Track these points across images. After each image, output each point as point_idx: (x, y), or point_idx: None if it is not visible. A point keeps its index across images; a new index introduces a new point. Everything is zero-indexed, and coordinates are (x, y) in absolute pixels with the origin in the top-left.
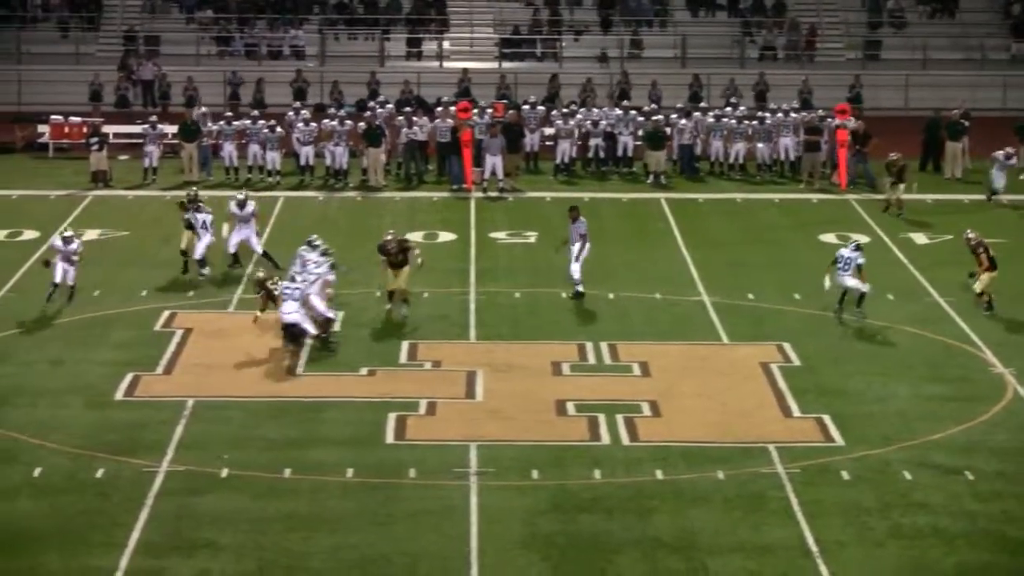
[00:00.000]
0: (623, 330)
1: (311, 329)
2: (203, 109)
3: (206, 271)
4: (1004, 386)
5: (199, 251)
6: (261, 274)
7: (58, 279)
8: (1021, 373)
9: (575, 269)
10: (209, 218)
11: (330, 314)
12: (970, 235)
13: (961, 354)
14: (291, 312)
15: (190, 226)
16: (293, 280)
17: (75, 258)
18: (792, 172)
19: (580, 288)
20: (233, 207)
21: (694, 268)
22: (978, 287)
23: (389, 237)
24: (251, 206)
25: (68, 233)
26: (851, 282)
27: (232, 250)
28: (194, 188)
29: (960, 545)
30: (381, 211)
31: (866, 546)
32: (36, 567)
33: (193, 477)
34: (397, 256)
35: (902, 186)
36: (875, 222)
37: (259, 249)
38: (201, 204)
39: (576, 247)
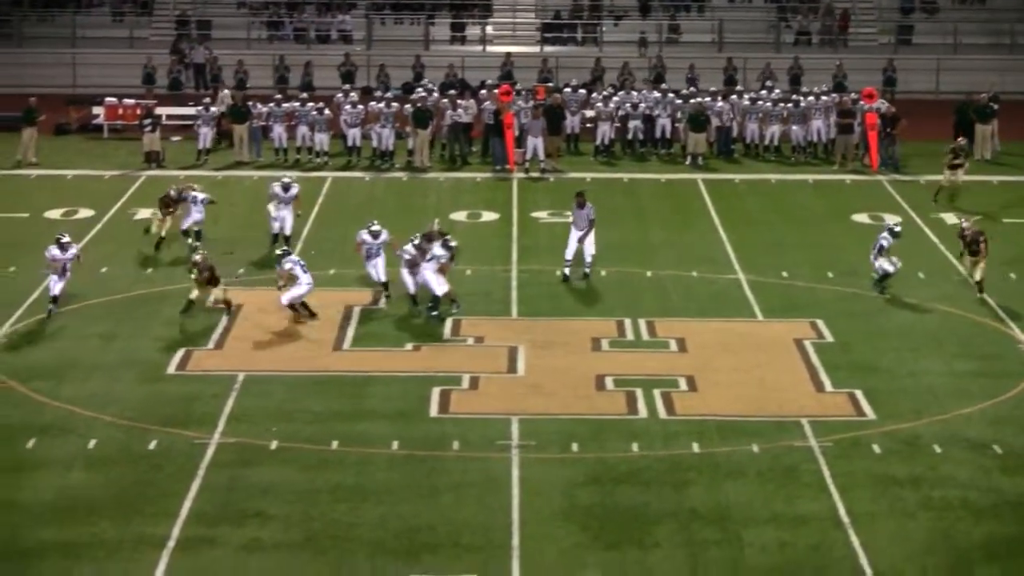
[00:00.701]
0: (661, 307)
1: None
2: (226, 92)
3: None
4: None
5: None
6: (197, 257)
7: (56, 292)
8: None
9: (572, 252)
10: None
11: (439, 290)
12: (965, 225)
13: (990, 332)
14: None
15: (166, 211)
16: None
17: (69, 267)
18: (825, 154)
19: (567, 271)
20: (277, 189)
21: (730, 247)
22: (979, 275)
23: (435, 228)
24: (294, 190)
25: (66, 239)
26: (876, 262)
27: (275, 230)
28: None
29: (988, 517)
30: (426, 191)
31: (896, 518)
32: (92, 536)
33: (243, 449)
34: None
35: (961, 171)
36: (906, 203)
37: (288, 232)
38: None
39: (582, 232)
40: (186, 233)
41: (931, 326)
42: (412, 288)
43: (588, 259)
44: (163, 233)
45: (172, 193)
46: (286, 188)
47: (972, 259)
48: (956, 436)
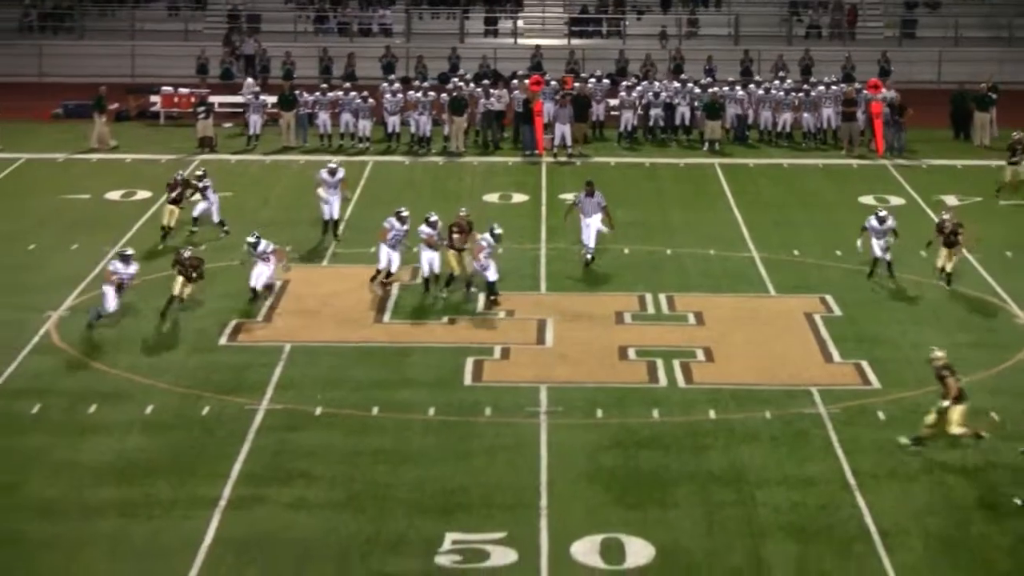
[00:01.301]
0: (680, 283)
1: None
2: (250, 81)
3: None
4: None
5: (199, 211)
6: (186, 253)
7: (111, 308)
8: None
9: (589, 237)
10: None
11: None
12: (946, 217)
13: (988, 306)
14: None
15: (175, 202)
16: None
17: (128, 283)
18: (834, 140)
19: (590, 256)
20: (324, 175)
21: (745, 227)
22: (950, 266)
23: (463, 214)
24: (341, 174)
25: (128, 252)
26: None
27: (326, 216)
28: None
29: (986, 480)
30: (461, 174)
31: (900, 480)
32: (149, 495)
33: (290, 415)
34: (463, 238)
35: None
36: (910, 186)
37: (336, 215)
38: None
39: (594, 218)
40: (196, 221)
41: (932, 301)
42: (427, 270)
43: (592, 245)
44: (172, 223)
45: (176, 179)
46: (333, 173)
47: (948, 250)
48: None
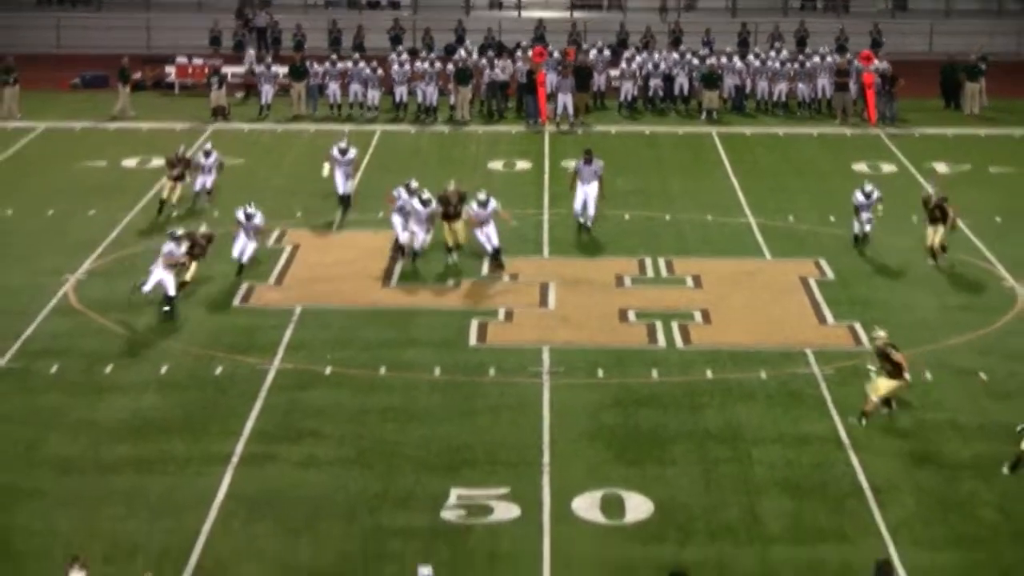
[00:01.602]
0: (679, 247)
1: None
2: (251, 52)
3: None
4: (1015, 298)
5: (200, 186)
6: (203, 229)
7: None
8: None
9: (580, 204)
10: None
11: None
12: (932, 191)
13: (978, 270)
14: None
15: (177, 178)
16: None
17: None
18: (828, 110)
19: (589, 223)
20: (335, 152)
21: (741, 193)
22: (938, 241)
23: (452, 188)
24: (352, 153)
25: (179, 232)
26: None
27: (341, 191)
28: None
29: (975, 438)
30: (466, 143)
31: (891, 437)
32: (163, 453)
33: (300, 374)
34: (457, 207)
35: None
36: (902, 153)
37: (350, 191)
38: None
39: (591, 186)
40: (198, 196)
41: (923, 265)
42: (403, 237)
43: (591, 213)
44: (173, 199)
45: (176, 155)
46: (344, 152)
47: (933, 227)
48: (946, 364)
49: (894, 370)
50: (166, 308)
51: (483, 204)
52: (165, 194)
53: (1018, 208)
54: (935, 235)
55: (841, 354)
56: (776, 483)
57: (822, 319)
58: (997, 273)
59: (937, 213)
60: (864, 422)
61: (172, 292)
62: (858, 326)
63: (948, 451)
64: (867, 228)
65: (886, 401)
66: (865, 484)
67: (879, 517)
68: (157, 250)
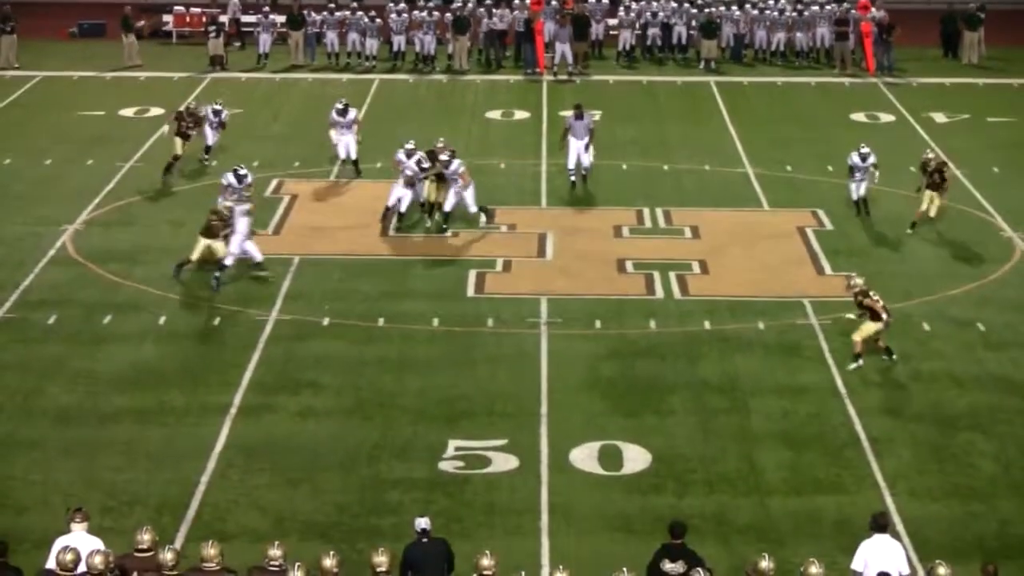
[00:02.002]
0: (676, 197)
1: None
2: (236, 1)
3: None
4: (1013, 248)
5: (212, 140)
6: (227, 203)
7: (342, 154)
8: None
9: (574, 161)
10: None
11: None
12: (930, 156)
13: (975, 220)
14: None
15: (183, 135)
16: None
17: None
18: (827, 59)
19: (584, 177)
20: (334, 115)
21: (739, 143)
22: (933, 211)
23: (441, 144)
24: (352, 113)
25: (243, 170)
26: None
27: (342, 155)
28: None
29: (972, 388)
30: (464, 92)
31: (888, 388)
32: (162, 403)
33: (298, 325)
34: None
35: None
36: (900, 103)
37: (354, 155)
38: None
39: (584, 141)
40: (208, 150)
41: (902, 214)
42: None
43: (587, 166)
44: (180, 152)
45: (187, 109)
46: (343, 112)
47: (931, 192)
48: (943, 315)
49: (872, 315)
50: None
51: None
52: (179, 150)
53: (1016, 158)
54: (931, 203)
55: (839, 305)
56: (774, 434)
57: (820, 269)
58: (995, 224)
59: (936, 178)
60: (857, 364)
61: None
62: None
63: (945, 402)
64: (862, 192)
65: (887, 350)
66: (862, 435)
67: (876, 468)
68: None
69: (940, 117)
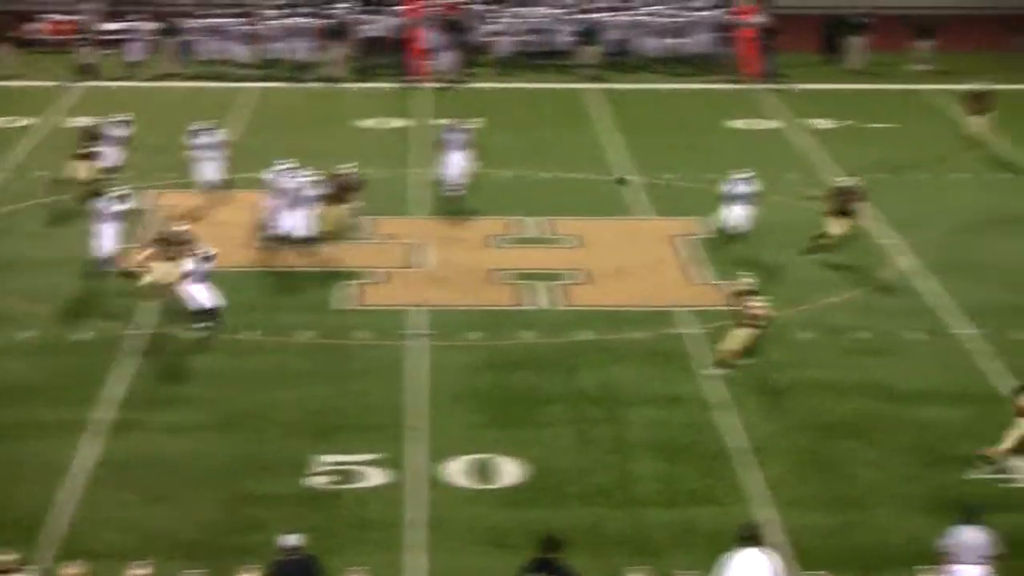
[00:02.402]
0: (557, 206)
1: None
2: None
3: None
4: (893, 256)
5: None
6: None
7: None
8: (907, 247)
9: (453, 170)
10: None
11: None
12: (844, 184)
13: (855, 228)
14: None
15: (85, 157)
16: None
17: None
18: (709, 65)
19: (461, 190)
20: (195, 138)
21: (621, 151)
22: (839, 232)
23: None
24: (218, 136)
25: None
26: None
27: (208, 177)
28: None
29: (852, 396)
30: (340, 100)
31: (767, 397)
32: (29, 418)
33: (170, 339)
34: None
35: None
36: (782, 108)
37: (221, 175)
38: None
39: (462, 150)
40: (108, 171)
41: (801, 223)
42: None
43: (466, 175)
44: (85, 177)
45: (89, 129)
46: (203, 133)
47: (837, 220)
48: (823, 323)
49: (745, 320)
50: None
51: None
52: (79, 174)
53: (898, 165)
54: (837, 226)
55: (716, 314)
56: (650, 444)
57: (698, 278)
58: (875, 231)
59: (846, 205)
60: (724, 371)
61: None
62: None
63: (824, 410)
64: (739, 221)
65: (746, 353)
66: (739, 444)
67: (754, 476)
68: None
69: (823, 123)
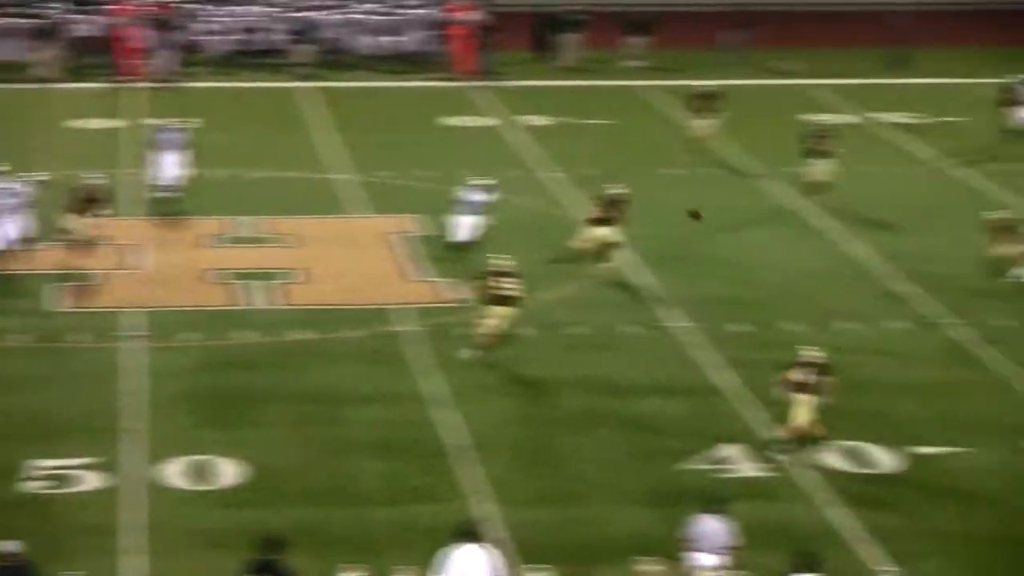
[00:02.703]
0: (274, 205)
1: None
2: None
3: None
4: (611, 250)
5: None
6: None
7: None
8: (624, 241)
9: (167, 170)
10: None
11: None
12: (610, 194)
13: (569, 222)
14: None
15: None
16: None
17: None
18: (424, 62)
19: (176, 192)
20: None
21: (338, 148)
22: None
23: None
24: None
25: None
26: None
27: None
28: None
29: (571, 391)
30: (51, 101)
31: (487, 393)
32: None
33: None
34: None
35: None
36: (498, 106)
37: None
38: None
39: (176, 151)
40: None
41: (510, 219)
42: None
43: (181, 176)
44: None
45: None
46: None
47: (598, 229)
48: (542, 319)
49: (499, 301)
50: None
51: None
52: None
53: (613, 159)
54: (604, 233)
55: (436, 311)
56: (370, 443)
57: (416, 276)
58: (578, 221)
59: (612, 212)
60: (474, 353)
61: None
62: (452, 282)
63: (545, 405)
64: (472, 234)
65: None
66: (460, 441)
67: (474, 474)
68: None
69: (539, 120)
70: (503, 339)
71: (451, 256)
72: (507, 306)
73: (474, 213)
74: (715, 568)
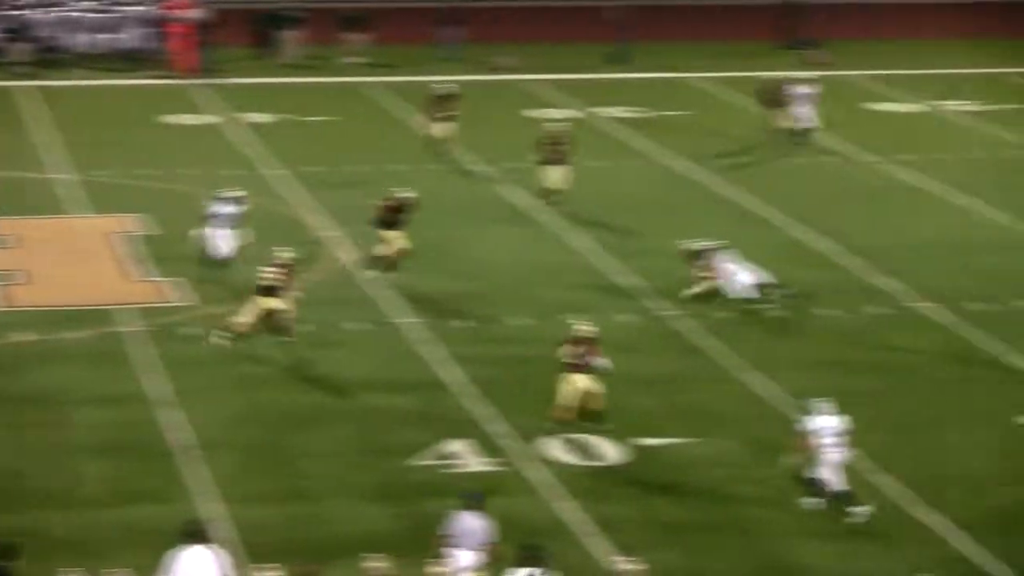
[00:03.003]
0: None
1: None
2: None
3: None
4: (330, 248)
5: None
6: None
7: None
8: (347, 239)
9: None
10: None
11: None
12: (401, 196)
13: (293, 221)
14: None
15: None
16: None
17: None
18: (143, 60)
19: None
20: None
21: (58, 148)
22: (394, 252)
23: None
24: None
25: None
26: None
27: None
28: None
29: (301, 387)
30: None
31: (213, 393)
32: None
33: None
34: None
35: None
36: (218, 103)
37: None
38: None
39: None
40: None
41: (262, 218)
42: None
43: None
44: None
45: None
46: None
47: (386, 233)
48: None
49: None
50: None
51: None
52: None
53: (335, 157)
54: (395, 240)
55: (163, 310)
56: (96, 445)
57: (141, 276)
58: (314, 223)
59: (392, 216)
60: (225, 337)
61: None
62: (180, 282)
63: (271, 404)
64: (225, 246)
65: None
66: (187, 440)
67: (200, 474)
68: None
69: (260, 117)
70: (255, 328)
71: (212, 274)
72: (268, 296)
73: (228, 226)
74: (472, 565)
